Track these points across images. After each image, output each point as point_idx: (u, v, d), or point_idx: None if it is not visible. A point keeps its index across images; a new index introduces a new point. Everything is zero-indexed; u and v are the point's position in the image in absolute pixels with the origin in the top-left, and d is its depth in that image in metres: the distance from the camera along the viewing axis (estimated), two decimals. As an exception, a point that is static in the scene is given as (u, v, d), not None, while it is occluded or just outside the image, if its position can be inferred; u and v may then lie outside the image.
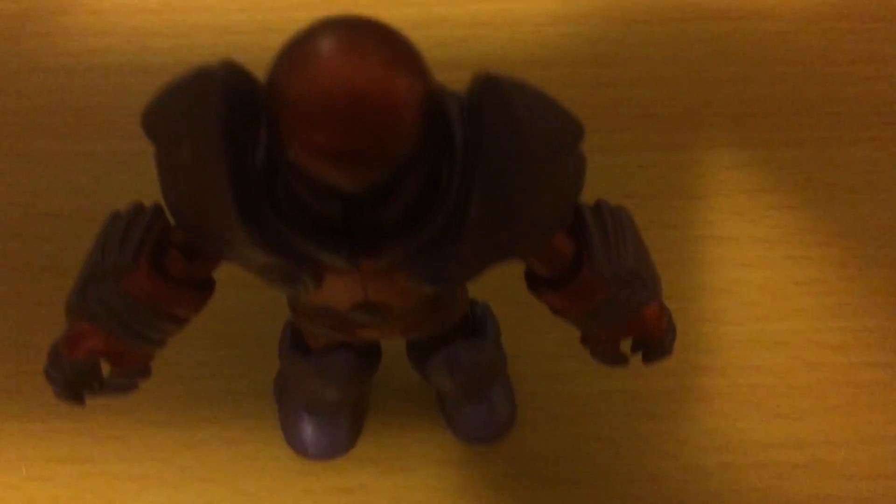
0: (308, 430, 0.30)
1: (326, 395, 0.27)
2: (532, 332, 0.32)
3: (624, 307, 0.21)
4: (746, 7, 0.40)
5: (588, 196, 0.20)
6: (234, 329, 0.33)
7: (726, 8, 0.40)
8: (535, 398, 0.31)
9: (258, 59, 0.17)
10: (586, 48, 0.39)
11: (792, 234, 0.34)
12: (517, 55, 0.39)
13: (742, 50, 0.39)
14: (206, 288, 0.21)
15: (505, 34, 0.40)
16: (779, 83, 0.38)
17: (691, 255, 0.34)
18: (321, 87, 0.14)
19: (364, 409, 0.31)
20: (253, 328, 0.33)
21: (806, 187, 0.35)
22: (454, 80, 0.18)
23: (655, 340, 0.22)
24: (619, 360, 0.23)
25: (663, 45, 0.39)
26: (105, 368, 0.21)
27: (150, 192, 0.20)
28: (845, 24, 0.39)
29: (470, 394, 0.28)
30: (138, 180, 0.35)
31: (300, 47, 0.15)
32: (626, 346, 0.23)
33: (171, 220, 0.20)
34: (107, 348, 0.21)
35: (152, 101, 0.18)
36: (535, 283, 0.22)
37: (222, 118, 0.16)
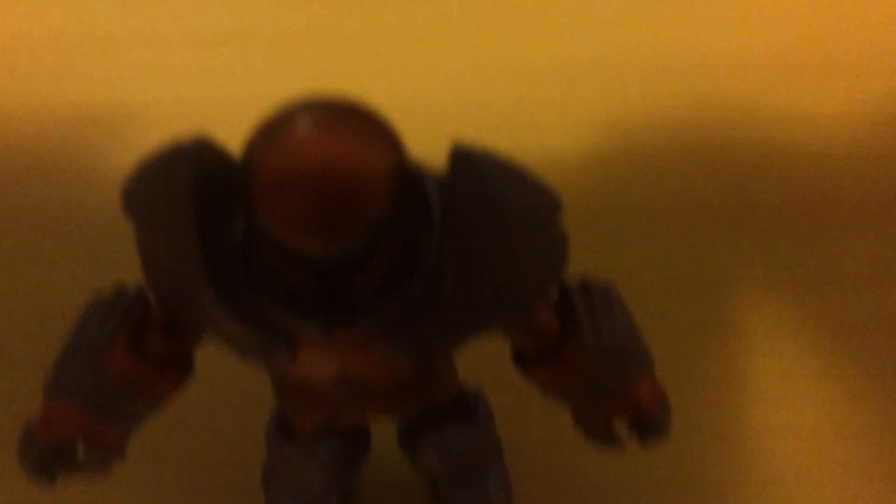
0: (295, 520, 0.29)
1: (314, 484, 0.26)
2: (529, 418, 0.31)
3: (613, 382, 0.21)
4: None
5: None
6: (221, 418, 0.32)
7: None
8: (533, 486, 0.30)
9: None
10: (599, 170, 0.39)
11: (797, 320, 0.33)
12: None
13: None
14: (184, 368, 0.21)
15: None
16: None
17: (691, 346, 0.33)
18: (292, 156, 0.15)
19: (354, 498, 0.30)
20: (241, 418, 0.32)
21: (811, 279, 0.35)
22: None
23: (649, 417, 0.21)
24: (612, 440, 0.22)
25: (671, 159, 0.39)
26: (79, 449, 0.21)
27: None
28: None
29: (463, 480, 0.27)
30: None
31: (275, 122, 0.16)
32: (622, 429, 0.22)
33: (153, 300, 0.20)
34: (82, 428, 0.20)
35: (129, 179, 0.18)
36: (522, 359, 0.21)
37: (192, 194, 0.17)
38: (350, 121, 0.15)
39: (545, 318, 0.20)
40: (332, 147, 0.15)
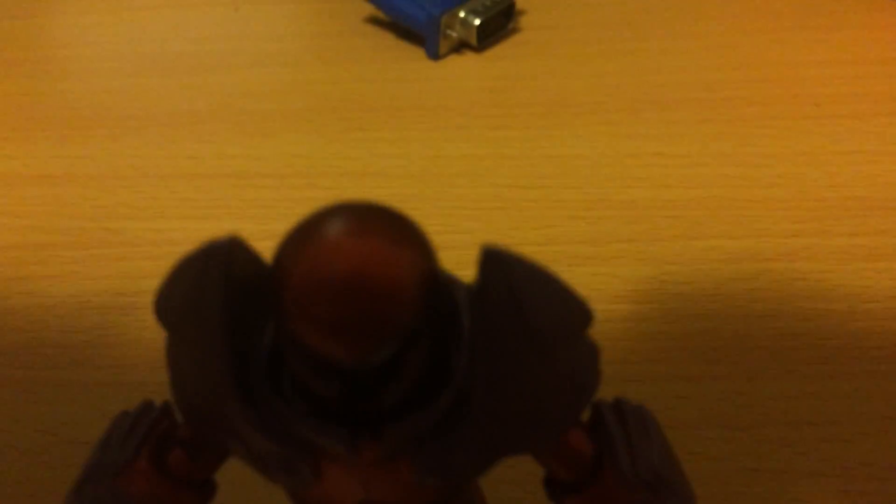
0: None
1: None
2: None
3: None
4: (777, 249, 0.40)
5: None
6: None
7: (759, 250, 0.40)
8: None
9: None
10: (620, 286, 0.39)
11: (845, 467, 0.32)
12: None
13: (775, 288, 0.38)
14: (206, 490, 0.21)
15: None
16: (814, 318, 0.37)
17: (737, 488, 0.31)
18: (323, 260, 0.15)
19: None
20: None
21: (859, 420, 0.33)
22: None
23: None
24: None
25: (698, 283, 0.39)
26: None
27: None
28: (881, 265, 0.39)
29: None
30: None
31: (306, 225, 0.15)
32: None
33: (178, 415, 0.19)
34: None
35: (162, 284, 0.18)
36: (555, 488, 0.20)
37: (222, 295, 0.16)
38: (382, 224, 0.15)
39: (577, 441, 0.19)
40: (363, 250, 0.15)
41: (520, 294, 0.16)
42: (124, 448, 0.20)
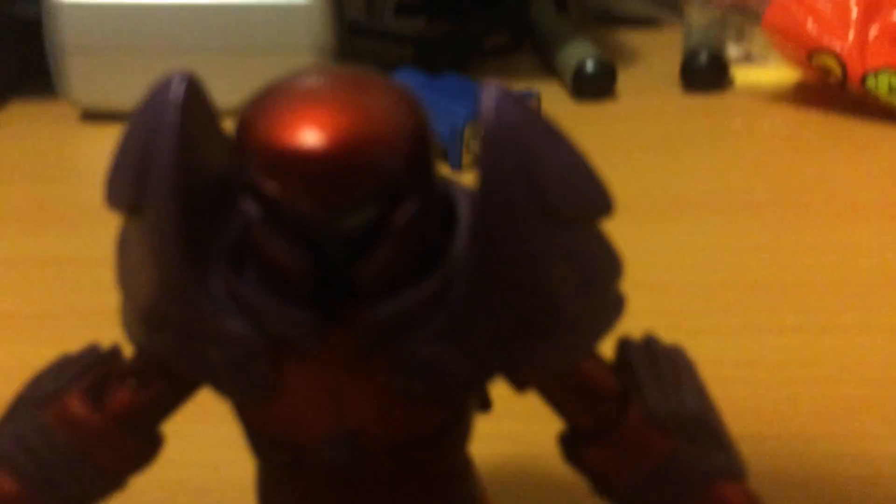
0: None
1: None
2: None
3: (692, 472, 0.16)
4: None
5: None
6: None
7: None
8: None
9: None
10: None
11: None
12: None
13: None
14: (150, 441, 0.17)
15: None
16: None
17: None
18: (293, 107, 0.13)
19: None
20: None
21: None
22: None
23: None
24: None
25: None
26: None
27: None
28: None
29: None
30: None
31: (276, 80, 0.14)
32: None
33: (127, 335, 0.16)
34: (11, 501, 0.16)
35: (114, 155, 0.15)
36: (571, 443, 0.17)
37: (175, 151, 0.14)
38: (359, 77, 0.14)
39: (597, 373, 0.16)
40: (338, 98, 0.13)
41: (531, 154, 0.14)
42: (57, 379, 0.16)
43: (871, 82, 0.59)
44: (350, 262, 0.14)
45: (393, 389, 0.14)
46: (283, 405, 0.15)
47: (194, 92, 0.14)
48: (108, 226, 0.49)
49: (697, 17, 0.68)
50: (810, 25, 0.61)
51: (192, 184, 0.14)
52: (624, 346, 0.17)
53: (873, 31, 0.60)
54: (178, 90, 0.14)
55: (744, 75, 0.71)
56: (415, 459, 0.16)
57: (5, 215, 0.50)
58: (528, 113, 0.14)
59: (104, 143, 0.64)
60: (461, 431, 0.17)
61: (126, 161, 0.15)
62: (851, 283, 0.39)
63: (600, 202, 0.15)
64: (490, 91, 0.13)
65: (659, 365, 0.16)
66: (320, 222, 0.13)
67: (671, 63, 0.69)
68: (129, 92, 0.66)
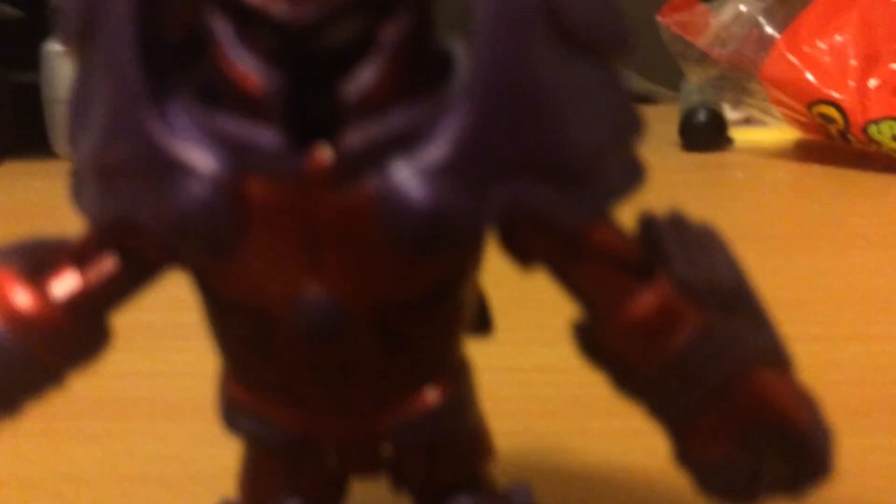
0: None
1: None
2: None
3: (728, 354, 0.13)
4: None
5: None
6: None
7: None
8: None
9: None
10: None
11: None
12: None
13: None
14: (95, 330, 0.15)
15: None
16: None
17: None
18: None
19: None
20: None
21: None
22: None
23: (795, 435, 0.14)
24: (740, 482, 0.14)
25: None
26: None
27: None
28: None
29: None
30: None
31: None
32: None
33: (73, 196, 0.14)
34: None
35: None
36: (589, 327, 0.14)
37: None
38: None
39: (612, 237, 0.14)
40: None
41: None
42: None
43: (873, 131, 0.59)
44: (331, 85, 0.12)
45: (377, 235, 0.12)
46: (250, 259, 0.13)
47: None
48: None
49: (695, 76, 0.68)
50: (809, 76, 0.60)
51: (154, 9, 0.13)
52: (647, 219, 0.14)
53: (873, 82, 0.60)
54: None
55: (743, 135, 0.71)
56: (403, 336, 0.14)
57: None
58: None
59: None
60: (455, 306, 0.14)
61: None
62: (869, 299, 0.37)
63: (619, 32, 0.13)
64: None
65: (688, 237, 0.14)
66: (300, 31, 0.12)
67: (670, 128, 0.68)
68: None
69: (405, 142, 0.12)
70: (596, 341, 0.14)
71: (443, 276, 0.14)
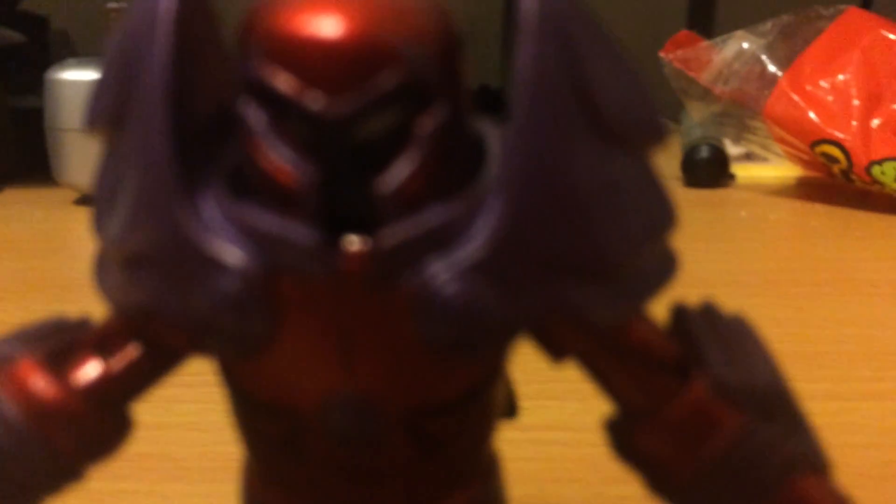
0: None
1: None
2: None
3: (767, 459, 0.13)
4: (861, 390, 0.34)
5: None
6: None
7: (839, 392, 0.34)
8: None
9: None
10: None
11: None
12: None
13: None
14: (117, 421, 0.14)
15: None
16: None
17: None
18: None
19: None
20: None
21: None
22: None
23: None
24: None
25: None
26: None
27: None
28: None
29: None
30: None
31: None
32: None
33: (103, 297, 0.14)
34: None
35: (97, 79, 0.13)
36: (622, 426, 0.14)
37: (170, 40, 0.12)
38: None
39: (647, 335, 0.13)
40: None
41: (578, 50, 0.12)
42: (10, 346, 0.14)
43: (876, 171, 0.59)
44: (365, 178, 0.12)
45: (412, 336, 0.12)
46: (281, 357, 0.12)
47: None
48: (91, 296, 0.46)
49: (697, 112, 0.69)
50: (813, 115, 0.61)
51: (185, 97, 0.12)
52: (680, 311, 0.14)
53: (876, 122, 0.60)
54: None
55: (745, 171, 0.71)
56: (436, 439, 0.13)
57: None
58: (578, 7, 0.12)
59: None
60: (487, 405, 0.14)
61: (111, 72, 0.13)
62: (880, 353, 0.37)
63: (653, 123, 0.13)
64: None
65: (722, 332, 0.14)
66: (335, 124, 0.11)
67: (671, 163, 0.68)
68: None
69: (441, 239, 0.12)
70: (631, 441, 0.14)
71: (477, 376, 0.13)
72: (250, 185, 0.12)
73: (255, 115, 0.12)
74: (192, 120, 0.12)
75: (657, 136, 0.13)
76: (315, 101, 0.11)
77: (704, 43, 0.68)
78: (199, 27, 0.12)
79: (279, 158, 0.12)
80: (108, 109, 0.13)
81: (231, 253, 0.12)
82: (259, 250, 0.12)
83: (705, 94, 0.68)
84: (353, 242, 0.12)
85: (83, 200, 0.68)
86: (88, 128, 0.13)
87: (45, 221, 0.65)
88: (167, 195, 0.12)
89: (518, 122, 0.12)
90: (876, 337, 0.39)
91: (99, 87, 0.13)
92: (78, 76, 0.64)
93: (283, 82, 0.11)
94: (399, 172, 0.12)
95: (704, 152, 0.67)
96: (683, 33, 0.69)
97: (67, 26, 0.97)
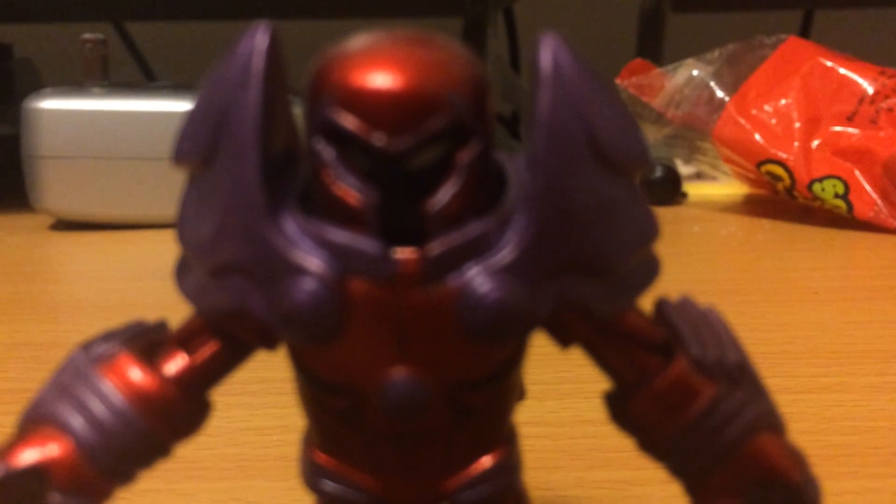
0: None
1: None
2: None
3: (735, 421, 0.16)
4: (807, 386, 0.38)
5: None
6: None
7: (787, 386, 0.38)
8: None
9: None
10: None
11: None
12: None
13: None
14: (200, 406, 0.17)
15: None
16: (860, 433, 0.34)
17: None
18: (375, 43, 0.15)
19: None
20: None
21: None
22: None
23: (792, 490, 0.16)
24: None
25: None
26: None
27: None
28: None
29: None
30: None
31: (351, 36, 0.15)
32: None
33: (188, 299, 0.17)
34: (64, 461, 0.16)
35: (187, 117, 0.16)
36: (618, 398, 0.17)
37: (261, 96, 0.15)
38: (432, 34, 0.15)
39: (639, 322, 0.17)
40: (414, 42, 0.15)
41: (585, 100, 0.15)
42: (109, 340, 0.17)
43: (817, 188, 0.63)
44: (415, 200, 0.15)
45: (455, 326, 0.15)
46: (348, 345, 0.15)
47: (275, 41, 0.15)
48: (74, 315, 0.49)
49: (651, 134, 0.73)
50: (758, 137, 0.65)
51: (267, 137, 0.15)
52: (662, 303, 0.17)
53: (816, 143, 0.65)
54: (263, 37, 0.15)
55: (696, 189, 0.75)
56: (470, 409, 0.16)
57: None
58: (582, 63, 0.15)
59: (74, 247, 0.65)
60: (512, 383, 0.17)
61: (203, 112, 0.15)
62: (823, 351, 0.41)
63: (642, 154, 0.16)
64: (548, 40, 0.15)
65: (696, 319, 0.17)
66: (394, 157, 0.14)
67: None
68: (99, 202, 0.67)
69: (477, 248, 0.15)
70: (625, 410, 0.17)
71: (505, 358, 0.16)
72: (319, 205, 0.15)
73: (325, 150, 0.15)
74: (271, 154, 0.15)
75: (645, 163, 0.16)
76: (379, 139, 0.14)
77: (657, 70, 0.72)
78: (277, 81, 0.15)
79: (346, 184, 0.15)
80: (197, 146, 0.16)
81: (310, 261, 0.15)
82: (332, 258, 0.15)
83: (658, 118, 0.72)
84: (408, 251, 0.15)
85: (60, 225, 0.69)
86: (175, 162, 0.16)
87: (24, 246, 0.66)
88: (257, 215, 0.15)
89: (538, 155, 0.15)
90: (818, 338, 0.43)
91: (187, 128, 0.16)
92: (55, 105, 0.66)
93: (353, 124, 0.14)
94: (444, 195, 0.15)
95: (658, 172, 0.72)
96: (637, 61, 0.73)
97: (32, 55, 0.98)
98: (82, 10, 0.92)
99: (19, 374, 0.40)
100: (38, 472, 0.16)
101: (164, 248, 0.62)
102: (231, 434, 0.33)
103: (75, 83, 0.69)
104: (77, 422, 0.16)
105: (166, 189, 0.66)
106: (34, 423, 0.16)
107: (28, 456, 0.16)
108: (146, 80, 0.98)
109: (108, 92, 0.68)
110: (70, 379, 0.16)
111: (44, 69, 0.98)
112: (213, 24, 1.02)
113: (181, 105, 0.66)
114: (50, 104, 0.66)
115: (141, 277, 0.57)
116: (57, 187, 0.67)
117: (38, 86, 0.71)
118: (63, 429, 0.16)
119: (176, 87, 0.70)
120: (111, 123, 0.66)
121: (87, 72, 0.70)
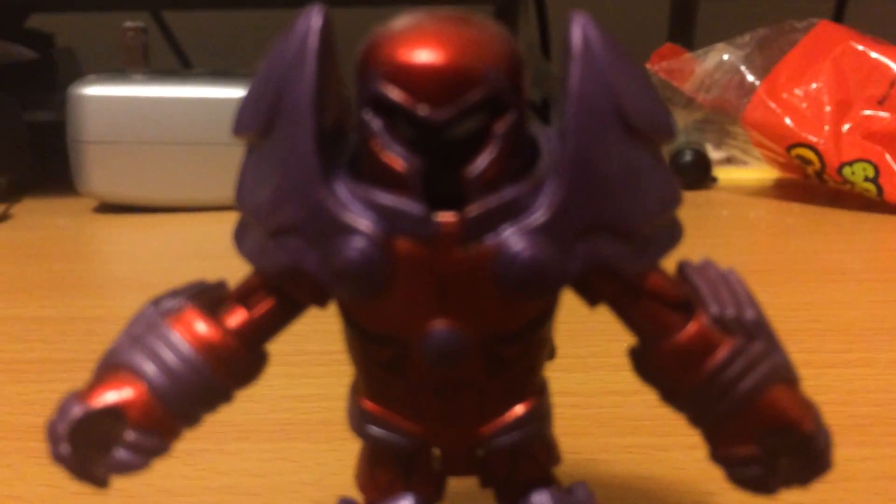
0: None
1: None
2: None
3: (752, 372, 0.17)
4: (832, 361, 0.39)
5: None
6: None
7: (811, 360, 0.38)
8: None
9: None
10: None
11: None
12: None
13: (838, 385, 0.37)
14: (258, 356, 0.19)
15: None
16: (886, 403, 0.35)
17: None
18: (420, 22, 0.16)
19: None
20: None
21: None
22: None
23: (803, 438, 0.18)
24: (757, 474, 0.18)
25: None
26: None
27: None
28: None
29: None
30: None
31: (396, 18, 0.16)
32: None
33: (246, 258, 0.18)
34: (138, 402, 0.17)
35: (249, 90, 0.17)
36: (642, 352, 0.18)
37: (315, 72, 0.16)
38: (471, 14, 0.16)
39: (662, 282, 0.18)
40: (455, 21, 0.16)
41: (613, 74, 0.16)
42: (176, 300, 0.18)
43: (847, 172, 0.64)
44: (456, 166, 0.16)
45: (491, 282, 0.16)
46: (393, 298, 0.17)
47: (328, 22, 0.16)
48: (120, 292, 0.51)
49: (681, 119, 0.73)
50: (788, 121, 0.65)
51: (321, 108, 0.16)
52: (683, 265, 0.19)
53: (846, 126, 0.65)
54: (318, 18, 0.16)
55: (726, 174, 0.76)
56: (504, 360, 0.18)
57: (33, 286, 0.52)
58: (609, 39, 0.16)
59: (117, 229, 0.67)
60: (543, 338, 0.18)
61: (262, 88, 0.17)
62: (849, 329, 0.42)
63: (666, 124, 0.17)
64: (578, 18, 0.16)
65: (716, 279, 0.18)
66: (436, 127, 0.16)
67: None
68: (141, 185, 0.70)
69: (512, 211, 0.16)
70: (648, 364, 0.18)
71: (536, 313, 0.18)
72: (367, 172, 0.17)
73: (374, 121, 0.16)
74: (324, 126, 0.17)
75: (669, 133, 0.17)
76: (423, 110, 0.16)
77: (687, 55, 0.73)
78: (330, 58, 0.17)
79: (393, 152, 0.16)
80: (256, 118, 0.17)
81: (360, 221, 0.16)
82: (380, 219, 0.16)
83: (688, 103, 0.73)
84: (448, 214, 0.16)
85: (103, 208, 0.72)
86: (235, 134, 0.18)
87: (69, 228, 0.68)
88: (312, 180, 0.16)
89: (569, 125, 0.16)
90: (844, 316, 0.44)
91: (246, 102, 0.17)
92: (99, 91, 0.68)
93: (399, 96, 0.16)
94: (482, 162, 0.16)
95: (688, 156, 0.72)
96: (668, 46, 0.74)
97: (72, 44, 1.01)
98: (121, 0, 0.95)
99: (73, 346, 0.42)
100: (114, 412, 0.17)
101: (203, 231, 0.65)
102: (274, 401, 0.35)
103: (114, 71, 0.71)
104: (149, 368, 0.17)
105: (206, 172, 0.68)
106: (110, 369, 0.18)
107: (107, 397, 0.17)
108: (183, 68, 1.00)
109: (149, 79, 0.70)
110: (142, 330, 0.18)
111: (85, 58, 1.01)
112: (247, 13, 1.04)
113: (219, 91, 0.68)
114: (94, 90, 0.68)
115: (181, 258, 0.59)
116: (100, 171, 0.69)
117: (79, 74, 0.73)
118: (137, 374, 0.17)
119: (213, 74, 0.72)
120: (153, 109, 0.68)
121: (128, 59, 0.72)
